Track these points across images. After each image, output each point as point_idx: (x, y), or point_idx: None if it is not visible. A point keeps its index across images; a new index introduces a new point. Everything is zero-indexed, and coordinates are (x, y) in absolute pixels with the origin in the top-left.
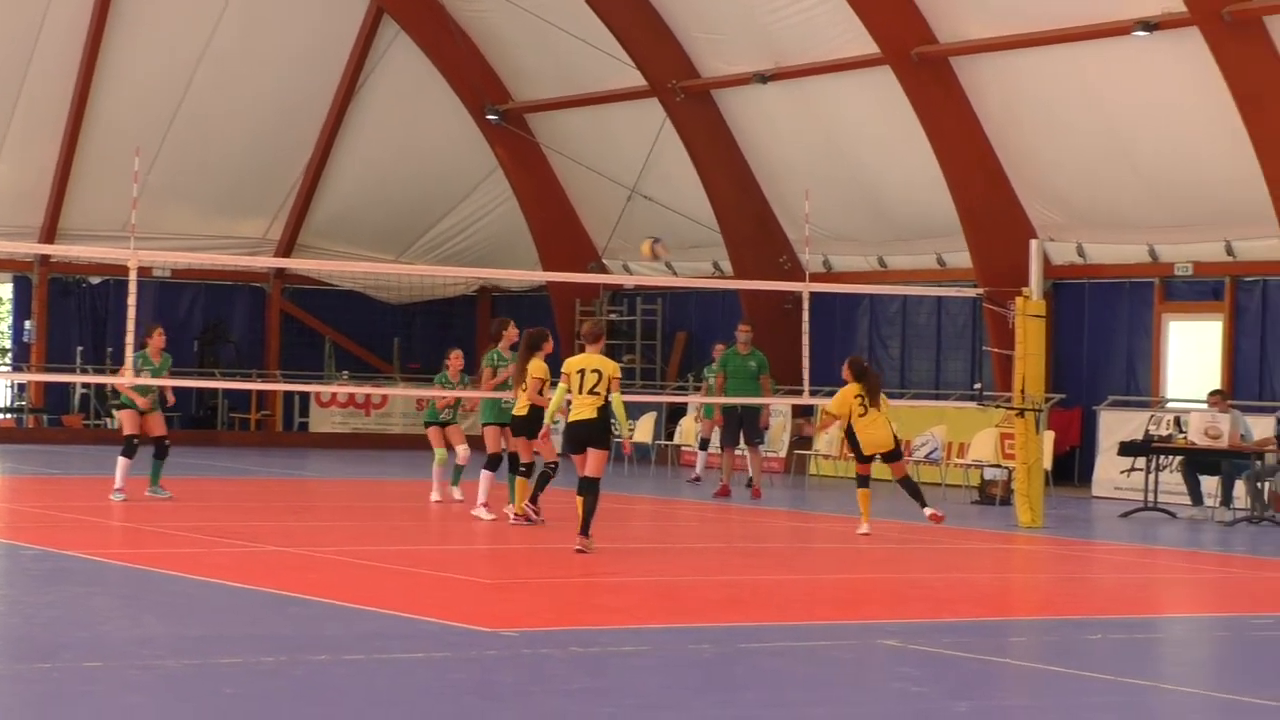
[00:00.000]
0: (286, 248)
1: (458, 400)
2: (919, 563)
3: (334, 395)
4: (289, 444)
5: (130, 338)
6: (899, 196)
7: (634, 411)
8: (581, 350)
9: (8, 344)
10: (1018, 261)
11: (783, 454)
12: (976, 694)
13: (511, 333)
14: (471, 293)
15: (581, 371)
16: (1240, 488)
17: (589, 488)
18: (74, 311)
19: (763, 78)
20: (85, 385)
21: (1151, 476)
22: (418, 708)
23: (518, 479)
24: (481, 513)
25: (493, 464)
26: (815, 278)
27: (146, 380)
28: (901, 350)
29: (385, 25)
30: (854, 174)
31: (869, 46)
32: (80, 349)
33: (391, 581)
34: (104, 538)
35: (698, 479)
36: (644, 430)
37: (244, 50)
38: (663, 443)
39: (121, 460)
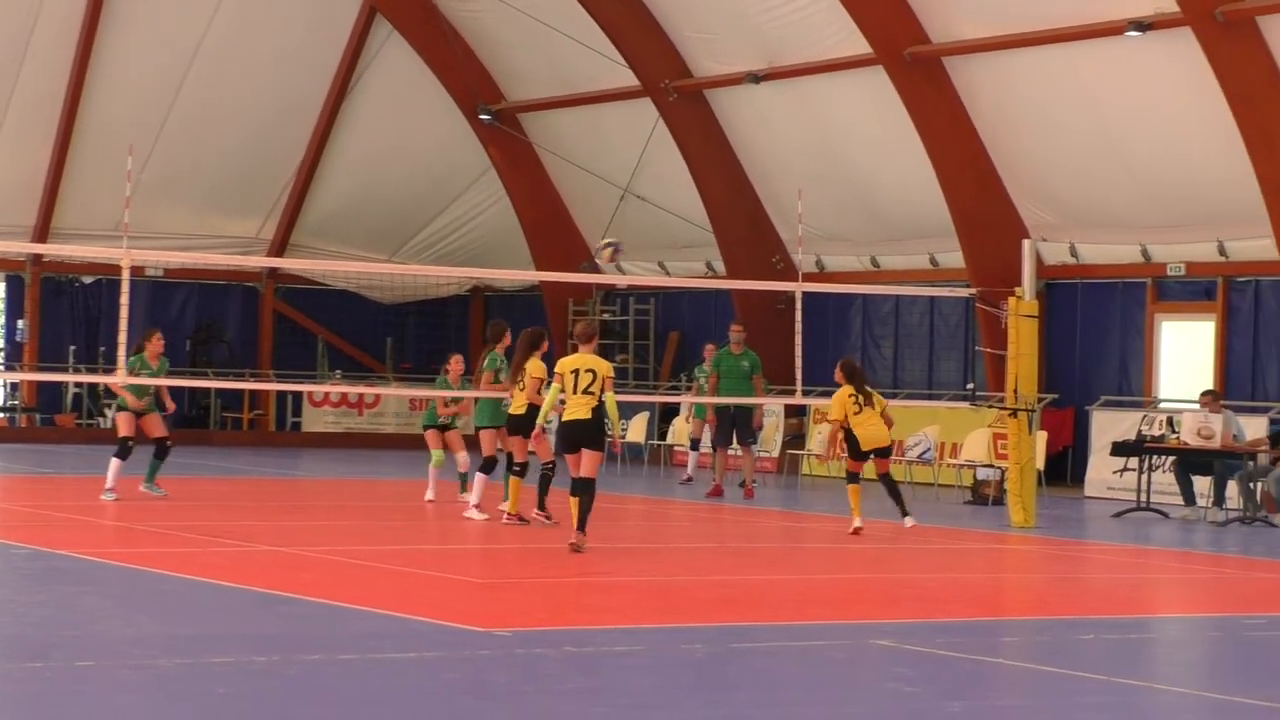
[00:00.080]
0: (279, 247)
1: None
2: (911, 563)
3: (327, 395)
4: (282, 444)
5: (123, 337)
6: (892, 196)
7: (626, 411)
8: (574, 350)
9: (0, 343)
10: (1010, 261)
11: (775, 454)
12: (969, 694)
13: (507, 338)
14: (464, 293)
15: (575, 371)
16: (1233, 488)
17: (585, 488)
18: (67, 311)
19: (755, 77)
20: (78, 385)
21: (1144, 477)
22: (411, 708)
23: (511, 478)
24: (474, 514)
25: (488, 467)
26: (808, 278)
27: (142, 380)
28: (894, 350)
29: (378, 25)
30: (847, 174)
31: (862, 46)
32: (73, 348)
33: (384, 581)
34: (96, 537)
35: (690, 479)
36: (637, 430)
37: (237, 49)
38: (655, 442)
39: (114, 461)
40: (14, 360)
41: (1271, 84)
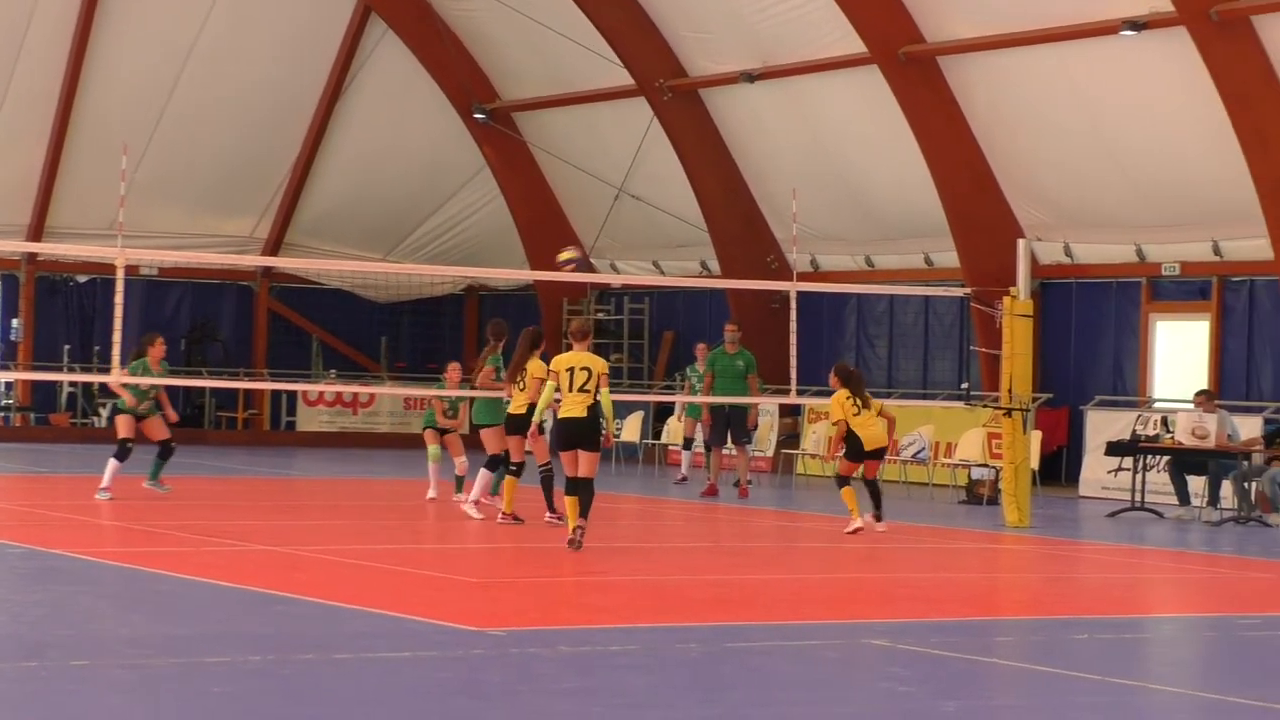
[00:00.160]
0: (274, 246)
1: (456, 411)
2: (906, 562)
3: (321, 394)
4: (276, 443)
5: (118, 336)
6: (886, 196)
7: (621, 411)
8: (569, 348)
9: None
10: (1005, 261)
11: (770, 453)
12: (964, 693)
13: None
14: (459, 291)
15: (571, 369)
16: (1227, 488)
17: (584, 487)
18: (61, 310)
19: (750, 77)
20: (72, 384)
21: (1138, 476)
22: (405, 707)
23: (508, 478)
24: (471, 510)
25: (493, 464)
26: (803, 277)
27: (144, 380)
28: (889, 350)
29: (373, 24)
30: (841, 173)
31: (856, 46)
32: (67, 347)
33: (379, 581)
34: (91, 536)
35: (684, 479)
36: (631, 430)
37: (231, 49)
38: (650, 442)
39: (112, 461)
40: (8, 359)
41: (1266, 83)
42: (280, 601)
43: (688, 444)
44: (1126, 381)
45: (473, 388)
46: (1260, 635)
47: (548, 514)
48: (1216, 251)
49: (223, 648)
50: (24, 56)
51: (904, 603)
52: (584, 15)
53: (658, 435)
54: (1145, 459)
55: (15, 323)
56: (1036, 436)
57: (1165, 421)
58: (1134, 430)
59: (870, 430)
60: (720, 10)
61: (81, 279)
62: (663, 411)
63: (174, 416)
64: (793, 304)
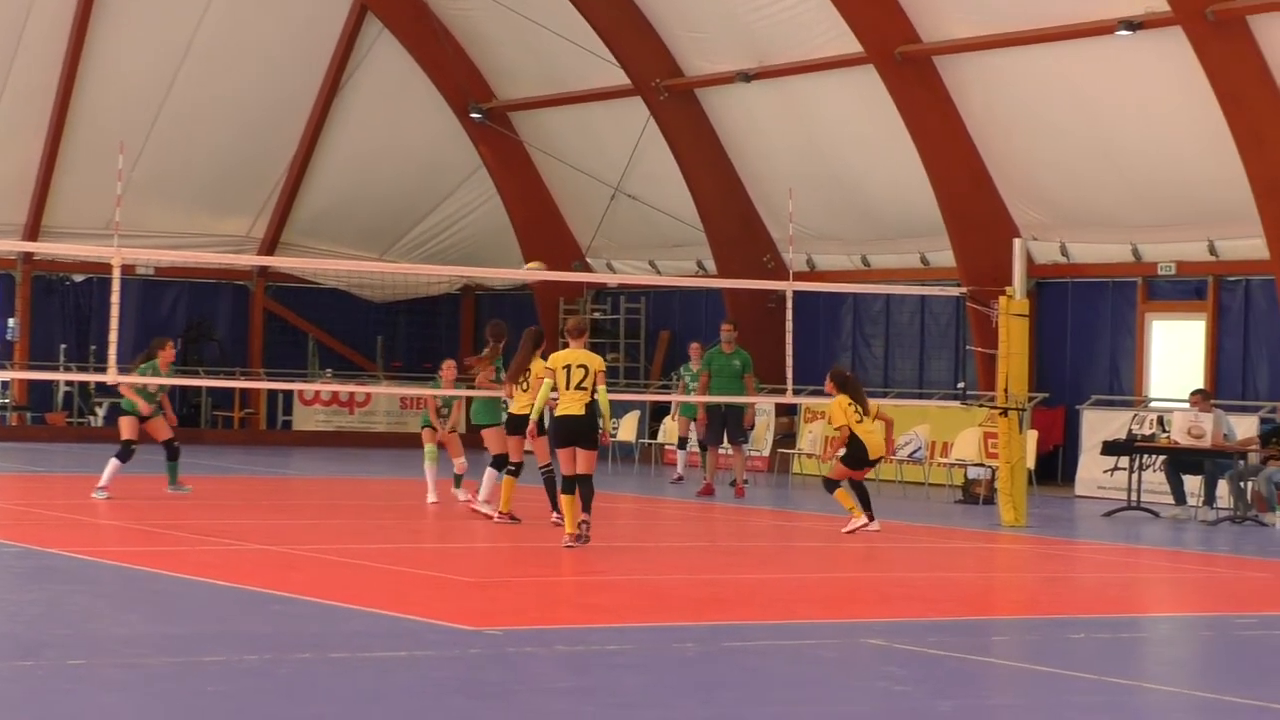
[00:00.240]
0: (270, 246)
1: (450, 409)
2: (902, 561)
3: (317, 393)
4: (273, 442)
5: (114, 335)
6: (882, 195)
7: (617, 410)
8: (565, 346)
9: None
10: (1001, 261)
11: (766, 453)
12: (960, 693)
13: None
14: (455, 291)
15: (567, 367)
16: (1223, 487)
17: (584, 483)
18: (57, 309)
19: (746, 76)
20: (69, 383)
21: (1135, 476)
22: (402, 706)
23: (505, 478)
24: (484, 508)
25: (499, 463)
26: (799, 277)
27: (150, 379)
28: (885, 349)
29: (369, 23)
30: (837, 173)
31: (852, 45)
32: (64, 347)
33: (376, 580)
34: (88, 536)
35: (680, 478)
36: (627, 429)
37: (228, 48)
38: (646, 441)
39: (114, 461)
40: (4, 359)
41: (1262, 83)
42: (277, 601)
43: (682, 443)
44: (1122, 381)
45: (470, 387)
46: (1256, 634)
47: (554, 515)
48: (1212, 251)
49: (219, 647)
50: (20, 54)
51: (900, 602)
52: (580, 15)
53: (654, 435)
54: (1141, 458)
55: (11, 322)
56: (1032, 436)
57: (1161, 421)
58: (1130, 430)
59: (874, 437)
60: (716, 10)
61: (78, 278)
62: (659, 411)
63: (174, 419)
64: (789, 304)
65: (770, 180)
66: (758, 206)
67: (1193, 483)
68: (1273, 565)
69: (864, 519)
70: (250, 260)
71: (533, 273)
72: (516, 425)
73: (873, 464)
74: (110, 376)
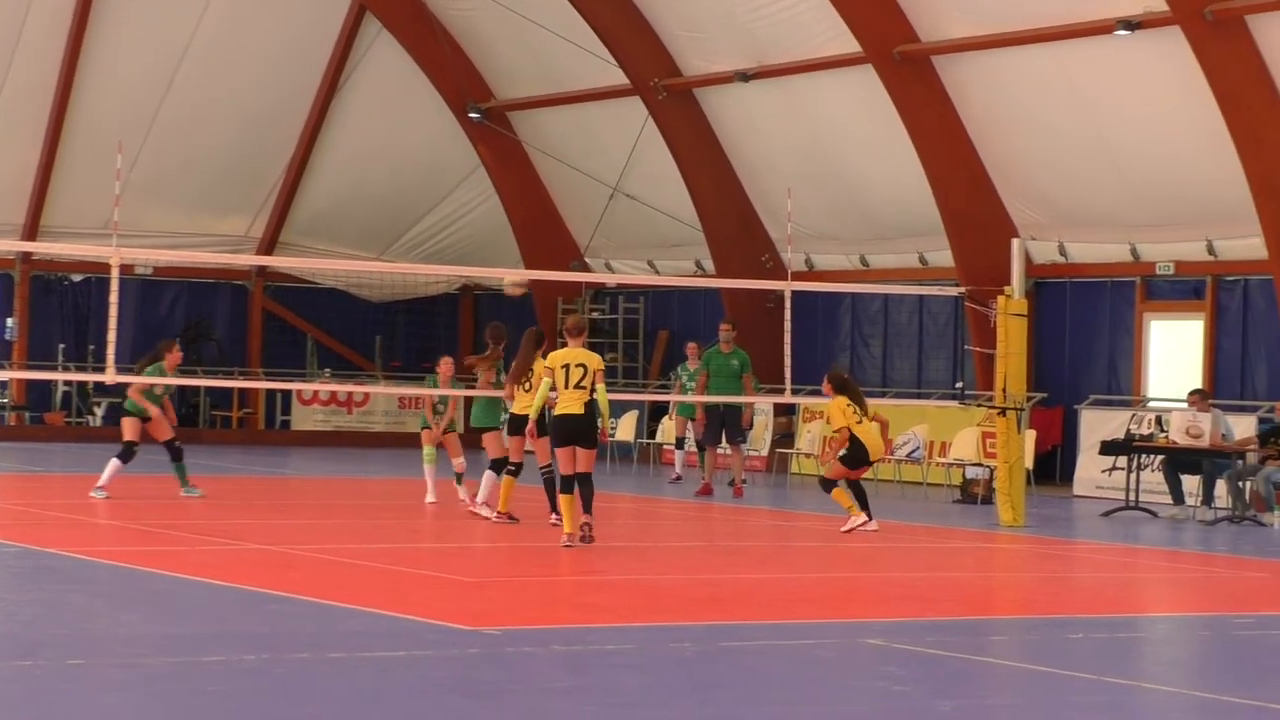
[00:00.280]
0: (268, 246)
1: (446, 406)
2: (900, 561)
3: (316, 393)
4: (271, 442)
5: (112, 335)
6: (881, 195)
7: (616, 410)
8: (563, 345)
9: None
10: (999, 260)
11: (764, 453)
12: (959, 693)
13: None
14: (454, 291)
15: (566, 366)
16: (1221, 487)
17: (584, 482)
18: (56, 309)
19: (744, 76)
20: (67, 383)
21: (1133, 476)
22: (399, 706)
23: (505, 478)
24: (484, 510)
25: (497, 467)
26: (797, 276)
27: (156, 380)
28: (883, 349)
29: (367, 23)
30: (836, 173)
31: (851, 45)
32: (62, 346)
33: (373, 580)
34: (86, 535)
35: (679, 478)
36: (626, 429)
37: (227, 48)
38: (644, 441)
39: (115, 461)
40: (3, 358)
41: (1260, 83)
42: (275, 600)
43: (679, 443)
44: (1121, 381)
45: (470, 387)
46: (1254, 634)
47: (553, 516)
48: (1211, 251)
49: (217, 647)
50: (19, 54)
51: (899, 602)
52: (579, 15)
53: (653, 435)
54: (1139, 458)
55: (10, 322)
56: (1031, 436)
57: (1159, 421)
58: (1128, 429)
59: (873, 438)
60: (714, 10)
61: (76, 278)
62: (658, 411)
63: (174, 418)
64: (787, 303)
65: (769, 180)
66: (756, 206)
67: (1191, 482)
68: (1271, 565)
69: (862, 517)
70: (249, 260)
71: (512, 287)
72: (518, 425)
73: (871, 464)
74: (109, 376)
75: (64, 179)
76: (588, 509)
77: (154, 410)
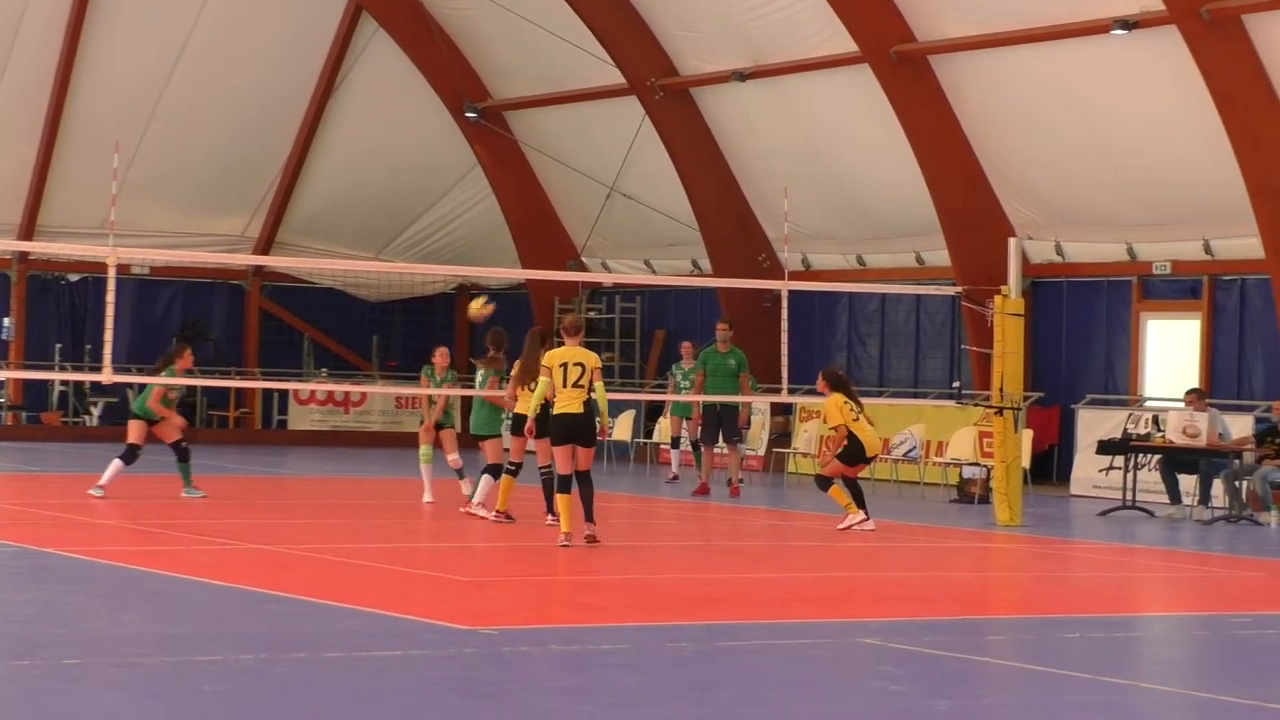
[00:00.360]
0: (265, 245)
1: (447, 401)
2: (897, 561)
3: (313, 393)
4: (268, 442)
5: (109, 335)
6: (878, 195)
7: (613, 409)
8: (560, 344)
9: None
10: (996, 260)
11: (761, 452)
12: (956, 692)
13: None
14: (450, 290)
15: (564, 365)
16: (1218, 486)
17: (584, 482)
18: (53, 309)
19: (741, 76)
20: (64, 383)
21: (1130, 475)
22: (397, 705)
23: (505, 477)
24: (480, 511)
25: (495, 471)
26: (794, 276)
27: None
28: (880, 349)
29: (364, 22)
30: (833, 172)
31: (848, 45)
32: (59, 346)
33: (371, 579)
34: (83, 535)
35: (675, 478)
36: (622, 428)
37: (223, 47)
38: (641, 440)
39: (117, 462)
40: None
41: (1257, 83)
42: (272, 600)
43: (675, 443)
44: (1118, 380)
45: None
46: (1251, 634)
47: (549, 517)
48: (1207, 250)
49: (215, 646)
50: (15, 54)
51: (896, 601)
52: (575, 14)
53: (649, 434)
54: (1136, 458)
55: (7, 321)
56: (1028, 435)
57: (1156, 420)
58: (1125, 429)
59: (870, 435)
60: (711, 9)
61: (73, 278)
62: (654, 410)
63: (183, 422)
64: (784, 303)
65: (765, 179)
66: (753, 206)
67: (1188, 482)
68: (1268, 564)
69: (860, 515)
70: (246, 260)
71: (480, 308)
72: (520, 425)
73: (868, 461)
74: (105, 376)
75: (60, 178)
76: (589, 513)
77: (175, 415)
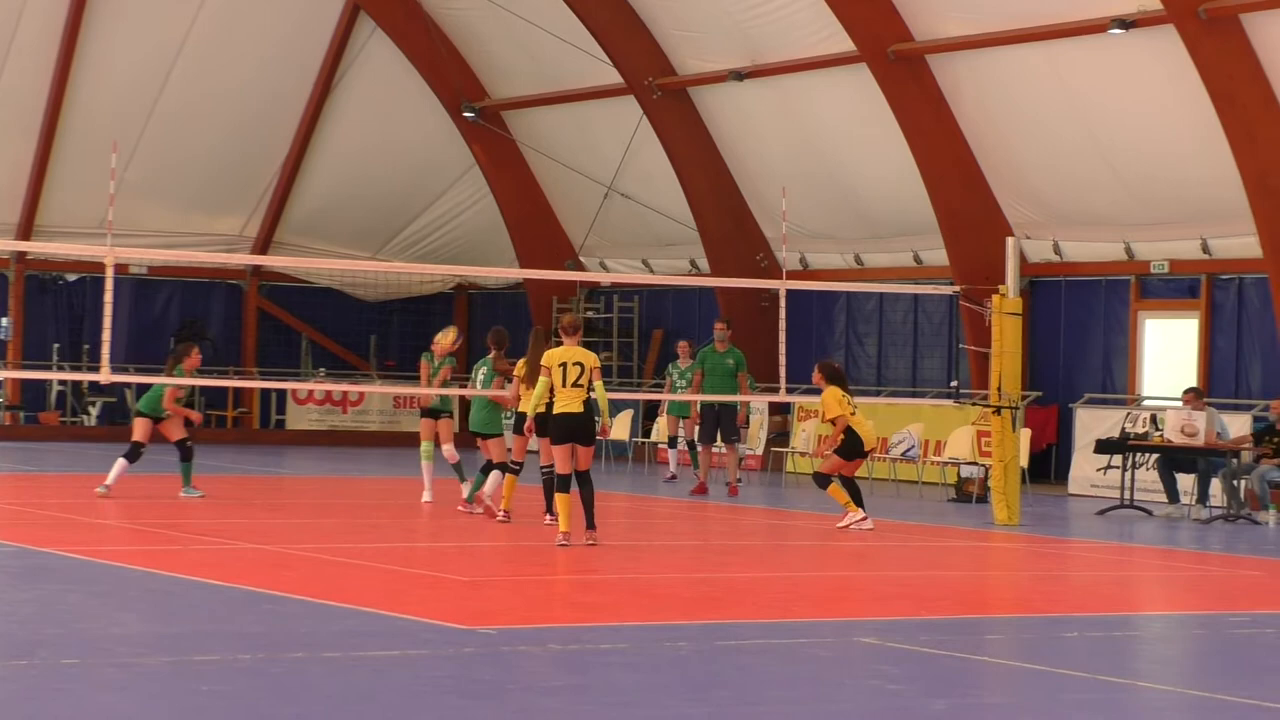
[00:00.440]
0: (263, 245)
1: (443, 382)
2: (895, 560)
3: (311, 392)
4: (266, 441)
5: (107, 335)
6: (876, 194)
7: (611, 409)
8: (559, 343)
9: None
10: (994, 259)
11: (760, 452)
12: (954, 692)
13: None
14: (448, 290)
15: (563, 365)
16: (1216, 485)
17: (584, 481)
18: (50, 309)
19: (739, 75)
20: (62, 383)
21: (1128, 474)
22: (395, 705)
23: (507, 476)
24: (477, 508)
25: (500, 469)
26: (792, 275)
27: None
28: (878, 348)
29: (362, 22)
30: (831, 172)
31: (845, 44)
32: (57, 346)
33: (369, 579)
34: (81, 535)
35: (673, 477)
36: (620, 428)
37: (221, 47)
38: (639, 440)
39: (121, 461)
40: None
41: (1254, 81)
42: (270, 600)
43: (672, 442)
44: (1115, 379)
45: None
46: (1249, 633)
47: (547, 517)
48: (1205, 249)
49: (213, 646)
50: (13, 54)
51: (894, 601)
52: (573, 14)
53: (647, 433)
54: (1134, 457)
55: (4, 321)
56: (1026, 434)
57: (1154, 419)
58: (1123, 428)
59: (867, 428)
60: (709, 9)
61: (71, 277)
62: (652, 410)
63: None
64: (782, 302)
65: (763, 179)
66: (751, 205)
67: (1186, 481)
68: (1265, 563)
69: (859, 513)
70: (243, 259)
71: (446, 340)
72: (522, 424)
73: (865, 455)
74: (103, 376)
75: (58, 178)
76: (590, 517)
77: (190, 412)
